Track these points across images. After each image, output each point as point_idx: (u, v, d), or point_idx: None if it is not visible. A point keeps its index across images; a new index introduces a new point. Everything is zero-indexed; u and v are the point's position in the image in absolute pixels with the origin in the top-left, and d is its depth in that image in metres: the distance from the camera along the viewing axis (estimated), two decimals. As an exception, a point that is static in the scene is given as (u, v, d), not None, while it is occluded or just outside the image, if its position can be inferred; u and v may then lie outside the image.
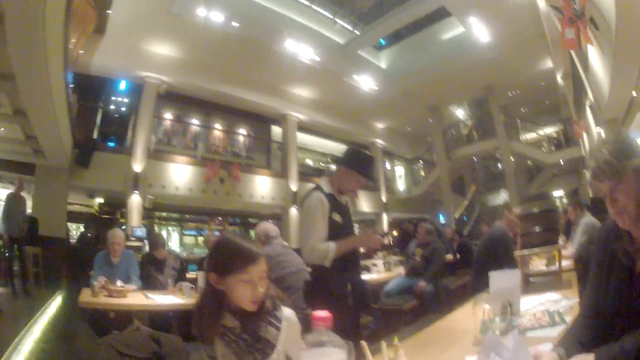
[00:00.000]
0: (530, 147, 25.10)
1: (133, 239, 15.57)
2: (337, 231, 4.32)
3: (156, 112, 19.14)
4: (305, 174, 22.37)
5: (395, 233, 21.13)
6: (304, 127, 23.14)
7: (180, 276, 8.01)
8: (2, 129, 14.48)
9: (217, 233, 20.74)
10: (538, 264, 6.32)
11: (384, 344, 2.28)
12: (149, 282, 7.43)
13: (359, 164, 4.58)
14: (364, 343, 2.23)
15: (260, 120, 22.91)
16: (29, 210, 13.87)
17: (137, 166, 17.15)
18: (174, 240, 22.88)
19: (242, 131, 23.12)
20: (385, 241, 15.89)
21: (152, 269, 7.84)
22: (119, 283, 6.32)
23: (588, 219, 7.24)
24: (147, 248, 14.11)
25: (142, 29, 16.80)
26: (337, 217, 4.36)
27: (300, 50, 18.48)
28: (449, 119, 26.95)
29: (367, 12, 19.68)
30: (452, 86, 22.07)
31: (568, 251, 6.97)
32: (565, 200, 23.87)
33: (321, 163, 25.01)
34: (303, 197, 4.55)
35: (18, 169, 16.73)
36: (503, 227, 7.37)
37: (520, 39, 18.18)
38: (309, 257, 4.35)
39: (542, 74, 21.06)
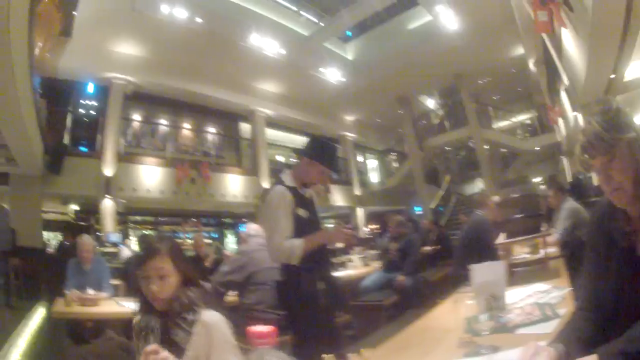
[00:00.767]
0: (504, 134, 25.52)
1: (108, 244, 15.69)
2: (303, 227, 4.16)
3: (124, 114, 19.24)
4: (277, 170, 21.11)
5: (374, 226, 21.11)
6: (273, 123, 23.38)
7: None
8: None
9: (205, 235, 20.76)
10: (521, 252, 6.53)
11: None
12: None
13: (322, 153, 4.47)
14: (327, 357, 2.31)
15: (228, 118, 23.18)
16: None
17: (108, 170, 17.21)
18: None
19: (211, 129, 23.32)
20: (359, 235, 15.84)
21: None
22: (90, 291, 6.36)
23: (570, 203, 7.19)
24: (123, 254, 14.29)
25: (106, 28, 16.93)
26: (301, 212, 4.20)
27: (266, 44, 18.66)
28: (419, 109, 27.32)
29: (331, 3, 19.95)
30: (421, 75, 22.25)
31: (552, 238, 6.91)
32: (543, 187, 23.87)
33: (291, 159, 24.52)
34: (264, 192, 4.50)
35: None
36: (483, 215, 7.49)
37: (490, 25, 18.43)
38: (275, 256, 4.24)
39: (513, 61, 21.38)
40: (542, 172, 26.85)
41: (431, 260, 12.20)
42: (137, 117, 21.00)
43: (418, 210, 25.58)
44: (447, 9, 17.71)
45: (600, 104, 1.94)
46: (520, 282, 4.18)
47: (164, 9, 16.18)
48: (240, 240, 7.23)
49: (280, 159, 24.39)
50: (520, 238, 6.23)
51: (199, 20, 17.14)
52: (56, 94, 17.25)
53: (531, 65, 19.08)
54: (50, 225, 20.02)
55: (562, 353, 1.83)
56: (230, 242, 24.26)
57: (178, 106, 21.42)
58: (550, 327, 2.65)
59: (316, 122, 24.31)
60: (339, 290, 5.05)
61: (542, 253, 5.71)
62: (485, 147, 23.31)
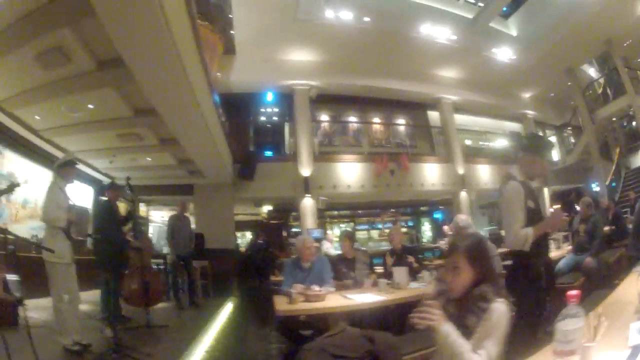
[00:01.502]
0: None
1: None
2: (532, 216, 4.48)
3: (313, 116, 19.85)
4: (468, 155, 22.26)
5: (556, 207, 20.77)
6: (458, 108, 22.77)
7: (371, 271, 8.14)
8: (149, 158, 15.79)
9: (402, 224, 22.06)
10: None
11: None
12: (342, 281, 7.61)
13: (543, 149, 4.87)
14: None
15: (416, 108, 23.03)
16: (193, 226, 14.56)
17: (305, 171, 17.92)
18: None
19: (401, 120, 23.28)
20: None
21: (343, 267, 7.95)
22: (315, 287, 6.36)
23: None
24: (323, 248, 15.04)
25: (272, 41, 17.72)
26: (530, 204, 4.52)
27: (437, 32, 18.71)
28: (586, 80, 25.77)
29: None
30: (577, 44, 21.02)
31: None
32: None
33: (480, 142, 24.71)
34: (500, 186, 4.83)
35: (176, 191, 18.39)
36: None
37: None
38: (512, 244, 4.51)
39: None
40: None
41: (608, 241, 11.25)
42: (325, 117, 21.59)
43: (595, 186, 24.36)
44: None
45: None
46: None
47: (329, 13, 16.65)
48: (454, 232, 7.23)
49: (469, 142, 24.03)
50: None
51: (366, 19, 17.45)
52: (233, 107, 18.01)
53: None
54: (239, 227, 21.13)
55: None
56: (426, 230, 24.57)
57: (365, 102, 21.84)
58: None
59: (497, 102, 23.85)
60: (553, 273, 5.44)
61: None
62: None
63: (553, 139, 27.16)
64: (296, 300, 5.96)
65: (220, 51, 16.41)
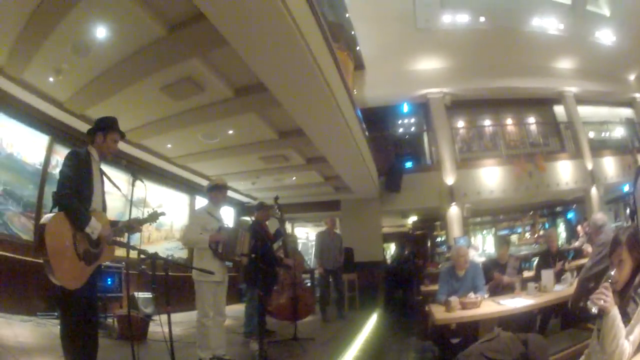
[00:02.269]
0: None
1: None
2: None
3: (450, 123, 20.02)
4: (592, 148, 21.21)
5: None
6: (578, 100, 22.00)
7: (519, 274, 8.31)
8: (294, 178, 16.39)
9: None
10: None
11: None
12: (494, 286, 7.89)
13: None
14: None
15: (542, 104, 22.43)
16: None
17: (449, 179, 18.15)
18: (488, 242, 23.28)
19: (531, 119, 22.88)
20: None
21: (497, 270, 8.20)
22: (472, 295, 6.52)
23: None
24: (470, 256, 14.87)
25: (398, 52, 18.33)
26: None
27: (546, 23, 18.63)
28: None
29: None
30: None
31: None
32: None
33: (602, 133, 23.74)
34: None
35: (322, 208, 18.93)
36: None
37: None
38: None
39: None
40: None
41: None
42: (461, 123, 21.65)
43: None
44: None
45: None
46: None
47: (446, 18, 17.01)
48: (593, 232, 6.87)
49: (591, 135, 22.97)
50: None
51: (482, 19, 17.69)
52: (371, 121, 18.03)
53: None
54: (386, 238, 21.58)
55: None
56: (561, 230, 23.84)
57: (496, 104, 21.54)
58: None
59: (609, 89, 23.03)
60: None
61: None
62: None
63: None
64: (454, 308, 6.18)
65: (351, 68, 16.77)
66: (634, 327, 2.78)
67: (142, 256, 5.08)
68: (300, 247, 20.42)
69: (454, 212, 17.91)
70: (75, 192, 4.26)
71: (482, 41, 18.35)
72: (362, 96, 18.47)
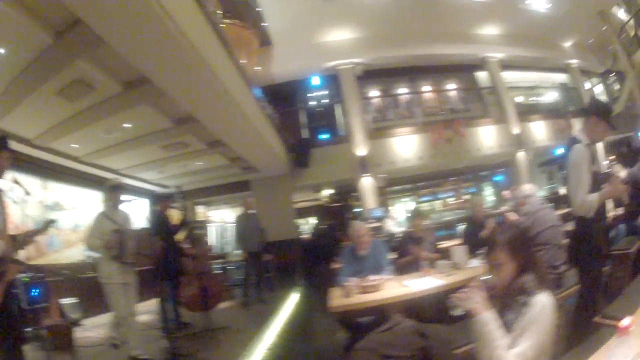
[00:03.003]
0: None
1: (372, 220, 16.39)
2: (594, 180, 4.66)
3: (362, 94, 20.30)
4: (520, 112, 21.74)
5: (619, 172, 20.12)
6: (504, 65, 22.30)
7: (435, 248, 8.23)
8: (200, 162, 16.52)
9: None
10: None
11: None
12: (413, 262, 7.60)
13: (606, 112, 4.96)
14: None
15: (463, 70, 22.94)
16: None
17: (361, 150, 18.40)
18: (410, 210, 23.32)
19: (451, 85, 23.67)
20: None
21: (412, 246, 7.95)
22: (371, 277, 6.21)
23: None
24: (387, 226, 15.66)
25: (305, 25, 18.28)
26: (594, 168, 4.71)
27: None
28: (618, 23, 25.43)
29: None
30: None
31: None
32: None
33: (531, 98, 24.45)
34: (565, 147, 4.97)
35: (233, 189, 19.17)
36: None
37: None
38: (579, 210, 4.67)
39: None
40: None
41: None
42: (375, 92, 21.96)
43: None
44: None
45: None
46: None
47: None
48: (518, 202, 7.31)
49: (520, 99, 23.62)
50: None
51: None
52: (281, 97, 18.60)
53: None
54: (301, 214, 21.92)
55: None
56: (488, 195, 24.57)
57: (412, 71, 22.01)
58: None
59: (541, 55, 23.47)
60: (608, 239, 5.57)
61: None
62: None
63: (600, 87, 27.09)
64: (352, 293, 5.89)
65: (256, 45, 17.02)
66: (517, 338, 2.63)
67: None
68: (218, 231, 20.51)
69: (367, 183, 18.19)
70: None
71: (398, 9, 18.45)
72: (269, 73, 18.61)
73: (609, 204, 8.60)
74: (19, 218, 6.58)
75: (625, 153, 17.94)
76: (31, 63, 8.02)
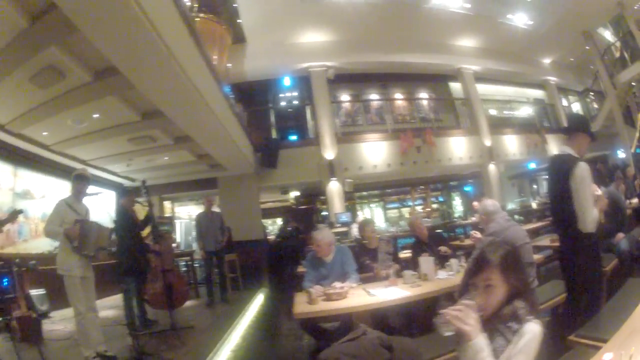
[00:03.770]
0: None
1: (338, 225, 16.57)
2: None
3: (332, 97, 20.31)
4: (493, 125, 22.18)
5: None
6: (479, 77, 22.86)
7: (395, 259, 8.07)
8: (166, 157, 16.31)
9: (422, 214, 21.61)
10: None
11: None
12: (365, 273, 7.48)
13: (588, 127, 5.28)
14: None
15: (437, 80, 23.33)
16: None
17: (329, 153, 18.40)
18: (378, 216, 24.00)
19: (423, 94, 24.00)
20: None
21: (367, 258, 7.89)
22: (337, 284, 6.24)
23: None
24: (353, 232, 15.50)
25: (281, 25, 18.32)
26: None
27: (449, 1, 18.99)
28: (603, 43, 25.25)
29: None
30: (590, 7, 20.62)
31: None
32: None
33: (505, 111, 24.66)
34: (561, 164, 5.13)
35: (200, 186, 18.97)
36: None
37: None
38: (590, 226, 4.71)
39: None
40: None
41: (637, 215, 10.76)
42: (345, 97, 21.96)
43: (620, 153, 24.17)
44: None
45: None
46: None
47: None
48: (480, 219, 6.88)
49: (493, 112, 23.90)
50: None
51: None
52: (251, 96, 18.80)
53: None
54: (269, 214, 22.14)
55: None
56: (457, 205, 24.96)
57: (385, 78, 22.33)
58: None
59: (518, 70, 24.03)
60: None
61: None
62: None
63: (576, 105, 27.66)
64: (316, 300, 5.80)
65: (229, 41, 16.96)
66: None
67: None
68: (182, 227, 20.39)
69: (334, 187, 18.18)
70: None
71: (375, 15, 18.55)
72: (241, 70, 18.62)
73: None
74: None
75: (602, 171, 18.15)
76: (5, 47, 7.86)
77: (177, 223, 21.33)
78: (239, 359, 7.28)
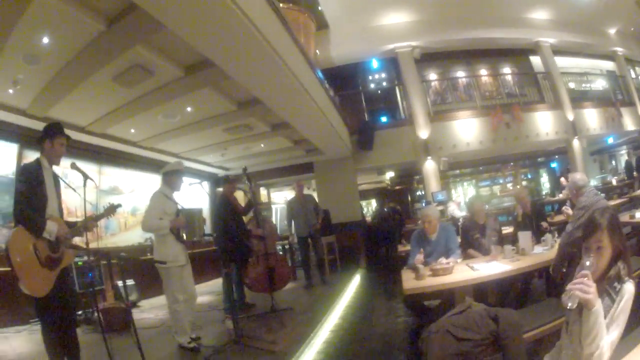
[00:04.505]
0: None
1: (435, 203, 15.95)
2: None
3: (421, 77, 19.98)
4: (573, 99, 21.50)
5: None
6: (555, 50, 22.23)
7: (500, 236, 7.91)
8: (262, 145, 16.51)
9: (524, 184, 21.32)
10: None
11: None
12: (474, 249, 7.63)
13: None
14: None
15: (518, 54, 22.67)
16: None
17: (423, 132, 18.21)
18: (470, 194, 23.64)
19: (507, 69, 22.95)
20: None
21: (476, 232, 7.86)
22: (442, 260, 6.34)
23: None
24: (449, 210, 15.37)
25: (362, 8, 18.08)
26: None
27: None
28: None
29: None
30: None
31: None
32: None
33: (583, 85, 23.93)
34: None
35: (296, 171, 19.22)
36: None
37: None
38: None
39: None
40: None
41: None
42: (433, 76, 21.64)
43: None
44: None
45: None
46: None
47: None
48: (570, 192, 6.74)
49: (572, 85, 23.23)
50: None
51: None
52: (341, 80, 18.54)
53: None
54: (362, 196, 21.53)
55: None
56: (545, 182, 24.38)
57: (469, 55, 21.63)
58: None
59: (588, 41, 23.23)
60: None
61: None
62: None
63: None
64: (424, 276, 5.89)
65: (313, 28, 16.75)
66: (609, 326, 2.56)
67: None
68: (278, 213, 20.72)
69: (430, 166, 17.97)
70: (29, 204, 4.50)
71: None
72: (328, 56, 18.58)
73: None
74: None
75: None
76: (81, 51, 8.06)
77: (273, 208, 21.43)
78: (339, 339, 7.33)
